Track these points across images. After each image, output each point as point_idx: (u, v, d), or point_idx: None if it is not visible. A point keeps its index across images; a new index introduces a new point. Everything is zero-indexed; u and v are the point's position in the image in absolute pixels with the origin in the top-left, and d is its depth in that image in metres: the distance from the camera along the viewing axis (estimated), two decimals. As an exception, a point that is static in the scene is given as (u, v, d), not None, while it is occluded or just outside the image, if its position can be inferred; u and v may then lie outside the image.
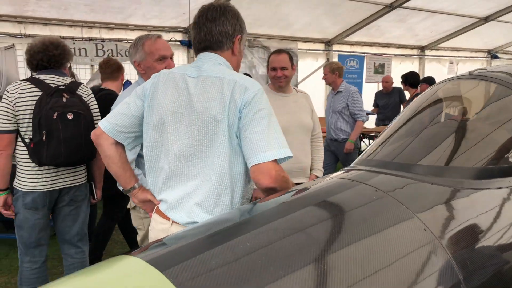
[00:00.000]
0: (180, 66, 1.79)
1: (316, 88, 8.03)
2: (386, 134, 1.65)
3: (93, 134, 1.72)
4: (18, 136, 2.64)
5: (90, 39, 6.25)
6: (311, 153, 3.23)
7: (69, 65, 2.91)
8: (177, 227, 1.59)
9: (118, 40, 6.50)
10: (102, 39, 6.35)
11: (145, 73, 2.42)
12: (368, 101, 7.95)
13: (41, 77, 2.68)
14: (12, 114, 2.57)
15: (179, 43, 7.12)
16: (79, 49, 6.20)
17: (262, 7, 6.78)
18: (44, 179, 2.66)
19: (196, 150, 1.56)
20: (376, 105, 7.50)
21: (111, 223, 3.80)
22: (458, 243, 1.16)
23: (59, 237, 2.92)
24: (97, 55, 6.33)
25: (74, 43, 6.14)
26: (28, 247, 2.75)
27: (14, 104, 2.56)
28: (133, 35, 6.66)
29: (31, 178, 2.65)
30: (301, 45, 8.36)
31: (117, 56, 6.46)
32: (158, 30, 6.82)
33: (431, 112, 1.75)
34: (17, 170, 2.70)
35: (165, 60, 2.41)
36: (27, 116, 2.57)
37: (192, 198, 1.58)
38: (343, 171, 1.49)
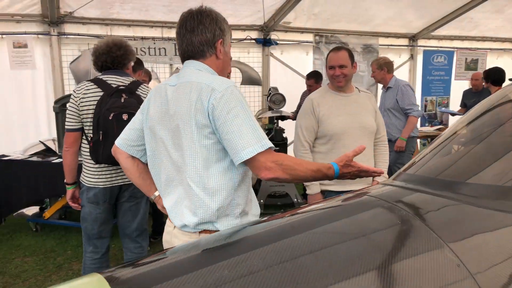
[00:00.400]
0: (170, 77, 1.88)
1: (397, 86, 7.55)
2: (436, 144, 1.43)
3: (112, 150, 1.89)
4: (83, 134, 2.80)
5: (169, 38, 6.49)
6: (374, 157, 3.02)
7: (132, 64, 3.01)
8: (178, 231, 1.69)
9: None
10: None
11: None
12: (457, 100, 7.32)
13: (104, 77, 2.80)
14: (78, 113, 2.72)
15: (254, 41, 7.12)
16: (159, 49, 6.48)
17: (339, 2, 6.53)
18: (104, 176, 2.79)
19: (176, 155, 1.63)
20: (463, 104, 6.85)
21: None
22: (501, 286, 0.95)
23: (120, 232, 3.04)
24: (175, 54, 6.56)
25: (154, 43, 6.43)
26: (90, 238, 2.90)
27: (79, 104, 2.70)
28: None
29: (93, 175, 2.79)
30: (382, 41, 7.92)
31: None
32: (233, 29, 6.88)
33: (496, 118, 1.49)
34: (82, 166, 2.86)
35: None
36: (90, 115, 2.70)
37: (182, 202, 1.66)
38: (376, 187, 1.32)
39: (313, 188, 2.85)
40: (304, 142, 2.89)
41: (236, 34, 6.95)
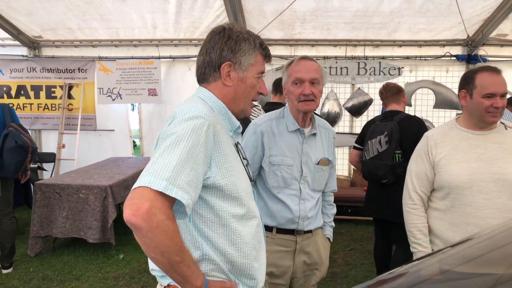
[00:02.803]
0: None
1: None
2: None
3: None
4: None
5: (352, 57, 6.11)
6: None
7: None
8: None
9: (383, 57, 6.10)
10: (365, 57, 6.10)
11: (288, 98, 2.09)
12: None
13: None
14: None
15: (454, 58, 6.09)
16: (341, 68, 6.16)
17: None
18: None
19: None
20: None
21: None
22: None
23: None
24: (358, 73, 6.14)
25: (336, 62, 6.14)
26: None
27: None
28: (400, 51, 6.15)
29: None
30: None
31: (379, 74, 6.10)
32: (430, 44, 6.04)
33: None
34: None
35: (302, 84, 1.97)
36: None
37: None
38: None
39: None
40: (412, 193, 2.14)
41: (431, 51, 6.09)
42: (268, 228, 2.01)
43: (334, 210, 2.32)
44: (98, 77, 6.50)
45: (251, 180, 1.50)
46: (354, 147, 3.71)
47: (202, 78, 1.45)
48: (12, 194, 4.15)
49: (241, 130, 1.52)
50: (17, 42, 6.35)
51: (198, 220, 1.31)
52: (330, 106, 6.27)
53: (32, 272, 4.06)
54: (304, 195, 2.03)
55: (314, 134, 2.09)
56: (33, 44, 6.46)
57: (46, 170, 6.45)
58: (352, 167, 6.25)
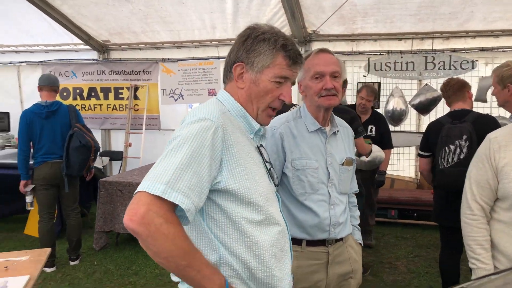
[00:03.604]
0: None
1: None
2: None
3: None
4: None
5: (419, 51, 5.73)
6: None
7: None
8: None
9: (453, 50, 5.67)
10: (434, 51, 5.69)
11: (305, 95, 1.91)
12: None
13: None
14: None
15: (536, 49, 5.50)
16: (406, 63, 5.80)
17: None
18: None
19: None
20: None
21: None
22: None
23: None
24: (425, 68, 5.75)
25: (401, 57, 5.80)
26: None
27: None
28: (474, 43, 5.68)
29: None
30: None
31: (449, 68, 5.67)
32: (507, 34, 5.50)
33: None
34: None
35: (323, 78, 1.80)
36: None
37: None
38: None
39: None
40: (471, 203, 1.87)
41: (509, 41, 5.54)
42: (297, 241, 1.85)
43: (359, 212, 2.15)
44: (162, 78, 6.71)
45: (275, 184, 1.40)
46: (420, 155, 3.41)
47: (224, 79, 1.42)
48: (78, 190, 4.39)
49: (262, 132, 1.42)
50: (88, 47, 6.73)
51: (212, 224, 1.24)
52: (395, 104, 5.94)
53: (96, 265, 4.26)
54: (334, 199, 1.87)
55: (335, 133, 1.93)
56: (102, 48, 6.81)
57: (101, 169, 6.78)
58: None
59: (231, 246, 1.24)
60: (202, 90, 6.49)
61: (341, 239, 1.92)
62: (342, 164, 1.90)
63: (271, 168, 1.43)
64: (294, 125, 1.90)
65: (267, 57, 1.30)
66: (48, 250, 2.57)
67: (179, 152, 1.12)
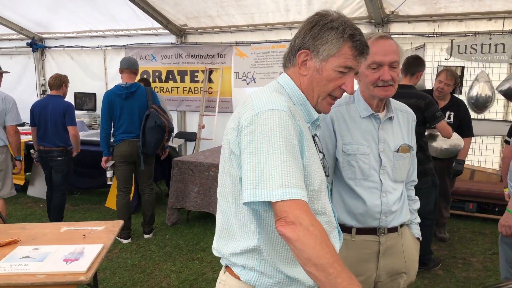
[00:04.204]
0: None
1: None
2: None
3: None
4: None
5: (511, 32, 5.22)
6: None
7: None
8: None
9: (552, 30, 5.09)
10: (529, 31, 5.16)
11: (360, 80, 1.82)
12: None
13: None
14: None
15: None
16: (495, 45, 5.32)
17: None
18: None
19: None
20: None
21: None
22: None
23: None
24: (518, 50, 5.23)
25: (490, 38, 5.33)
26: None
27: None
28: None
29: None
30: None
31: (546, 50, 5.11)
32: None
33: None
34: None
35: (380, 68, 1.71)
36: None
37: None
38: None
39: None
40: None
41: None
42: (346, 229, 1.80)
43: (418, 205, 2.02)
44: (235, 61, 6.81)
45: (326, 175, 1.37)
46: (507, 142, 3.15)
47: (285, 62, 1.38)
48: (153, 168, 4.64)
49: (319, 122, 1.39)
50: (166, 31, 7.00)
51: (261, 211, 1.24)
52: (479, 89, 5.49)
53: (167, 240, 4.51)
54: (386, 187, 1.78)
55: (391, 118, 1.83)
56: (180, 32, 7.05)
57: (175, 149, 7.04)
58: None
59: (273, 234, 1.24)
60: (274, 73, 6.49)
61: (396, 230, 1.84)
62: (397, 151, 1.81)
63: (324, 158, 1.41)
64: (346, 109, 1.84)
65: (334, 46, 1.27)
66: (121, 222, 2.77)
67: (275, 150, 1.12)
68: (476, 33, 5.40)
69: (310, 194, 1.24)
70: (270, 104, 1.20)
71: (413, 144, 1.91)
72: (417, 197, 2.02)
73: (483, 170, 5.68)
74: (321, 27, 1.28)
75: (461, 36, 5.48)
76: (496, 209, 5.06)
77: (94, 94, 7.63)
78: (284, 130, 1.15)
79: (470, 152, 5.66)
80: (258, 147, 1.13)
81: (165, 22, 6.72)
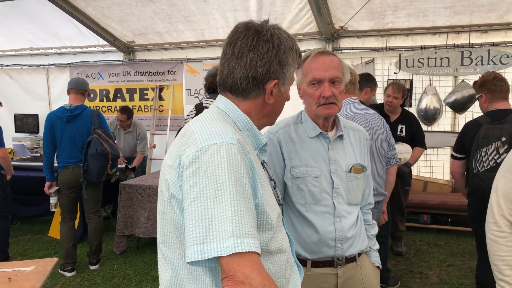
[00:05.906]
0: None
1: None
2: None
3: None
4: None
5: (455, 46, 5.38)
6: None
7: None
8: None
9: (492, 44, 5.28)
10: (471, 45, 5.33)
11: (304, 99, 1.76)
12: None
13: (204, 101, 3.13)
14: None
15: None
16: (441, 59, 5.46)
17: None
18: None
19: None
20: None
21: None
22: None
23: None
24: (461, 64, 5.39)
25: (435, 52, 5.46)
26: None
27: None
28: (516, 36, 5.26)
29: None
30: None
31: (488, 64, 5.29)
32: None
33: None
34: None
35: (321, 85, 1.64)
36: None
37: None
38: None
39: None
40: (498, 218, 1.62)
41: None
42: (301, 262, 1.63)
43: (376, 230, 1.92)
44: (186, 78, 6.63)
45: (279, 204, 1.22)
46: (454, 157, 3.14)
47: (240, 92, 1.18)
48: (100, 194, 4.34)
49: (267, 147, 1.26)
50: (113, 48, 6.73)
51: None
52: (428, 102, 5.59)
53: (115, 270, 4.20)
54: (340, 211, 1.67)
55: (341, 137, 1.74)
56: (127, 49, 6.80)
57: (130, 168, 6.75)
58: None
59: None
60: (227, 90, 6.36)
61: (354, 259, 1.72)
62: (350, 171, 1.71)
63: (275, 186, 1.27)
64: (294, 130, 1.73)
65: (294, 68, 1.21)
66: (54, 260, 2.49)
67: (224, 192, 0.97)
68: (422, 48, 5.53)
69: (268, 233, 1.10)
70: (215, 136, 1.04)
71: (367, 164, 1.81)
72: (374, 222, 1.92)
73: (435, 181, 5.77)
74: (283, 51, 1.17)
75: (409, 50, 5.60)
76: (449, 219, 5.13)
77: (37, 115, 7.18)
78: (234, 167, 1.00)
79: (422, 164, 5.75)
80: (203, 189, 0.97)
81: (111, 39, 6.46)
